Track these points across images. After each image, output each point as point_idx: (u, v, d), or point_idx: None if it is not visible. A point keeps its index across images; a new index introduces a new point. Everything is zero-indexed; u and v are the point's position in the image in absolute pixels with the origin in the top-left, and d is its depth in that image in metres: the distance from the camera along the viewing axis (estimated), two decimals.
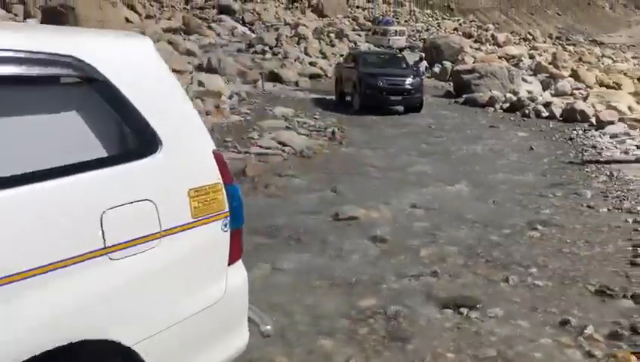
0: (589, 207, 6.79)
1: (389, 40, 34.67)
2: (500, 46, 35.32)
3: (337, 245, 5.40)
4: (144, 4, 36.12)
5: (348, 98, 16.28)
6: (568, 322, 3.90)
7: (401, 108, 15.23)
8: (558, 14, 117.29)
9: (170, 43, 18.63)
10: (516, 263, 5.03)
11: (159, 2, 39.40)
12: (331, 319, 3.94)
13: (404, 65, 17.04)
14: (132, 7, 32.52)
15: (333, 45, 29.90)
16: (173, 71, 11.35)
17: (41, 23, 19.09)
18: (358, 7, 52.61)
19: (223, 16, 38.27)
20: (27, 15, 23.77)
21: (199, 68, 18.84)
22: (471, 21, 57.66)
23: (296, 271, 4.78)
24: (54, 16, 18.25)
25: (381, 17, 42.90)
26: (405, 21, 49.67)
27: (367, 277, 4.66)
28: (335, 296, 4.32)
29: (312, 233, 5.73)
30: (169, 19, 32.67)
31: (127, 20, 24.39)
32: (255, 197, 7.02)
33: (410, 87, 15.30)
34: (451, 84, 20.95)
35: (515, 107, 15.97)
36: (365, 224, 6.03)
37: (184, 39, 24.62)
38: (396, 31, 37.05)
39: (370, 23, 43.36)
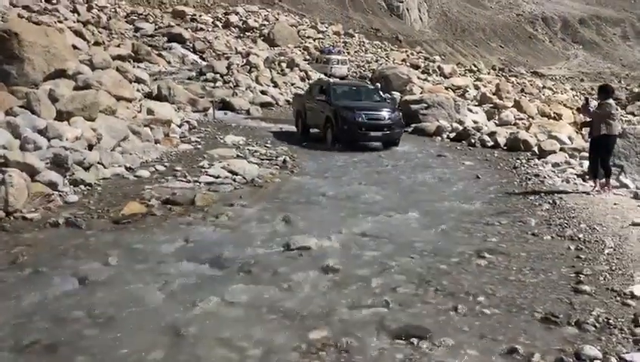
0: (533, 234, 6.98)
1: (331, 68, 35.67)
2: (446, 77, 36.35)
3: (288, 276, 5.36)
4: (92, 31, 35.56)
5: (315, 131, 15.47)
6: (516, 350, 3.97)
7: (379, 144, 14.41)
8: (501, 47, 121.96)
9: (118, 70, 18.33)
10: (465, 292, 5.10)
11: (108, 29, 38.90)
12: (282, 353, 3.89)
13: (379, 98, 15.83)
14: (80, 34, 31.95)
15: (284, 74, 30.10)
16: (122, 98, 11.15)
17: None
18: (308, 37, 53.30)
19: (174, 44, 38.05)
20: None
21: (149, 96, 18.61)
22: (418, 52, 59.21)
23: (247, 304, 4.71)
24: None
25: (326, 47, 43.94)
26: (355, 52, 50.58)
27: (318, 309, 4.64)
28: (286, 329, 4.27)
29: (262, 264, 5.67)
30: (118, 46, 32.20)
31: (75, 47, 23.90)
32: (205, 228, 6.91)
33: (390, 121, 14.19)
34: (400, 113, 21.33)
35: (462, 136, 16.40)
36: (317, 254, 6.02)
37: (133, 67, 24.31)
38: (338, 60, 38.05)
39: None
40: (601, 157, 9.23)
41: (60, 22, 35.09)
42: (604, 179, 9.31)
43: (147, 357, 3.87)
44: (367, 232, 6.88)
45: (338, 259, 5.84)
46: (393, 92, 26.55)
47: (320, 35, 55.38)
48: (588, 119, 9.78)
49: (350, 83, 19.92)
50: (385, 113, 14.29)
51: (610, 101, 9.35)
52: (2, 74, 16.88)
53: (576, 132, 17.22)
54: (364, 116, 13.83)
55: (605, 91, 9.46)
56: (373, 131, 13.97)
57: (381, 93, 16.83)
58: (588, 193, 9.23)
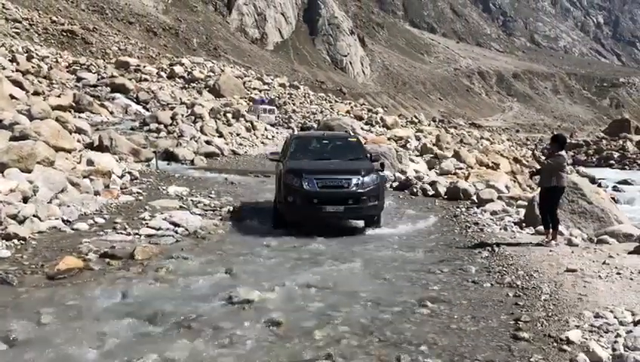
0: (474, 282, 7.12)
1: (258, 116, 36.94)
2: (388, 128, 37.26)
3: (231, 331, 5.25)
4: (32, 81, 34.83)
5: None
6: None
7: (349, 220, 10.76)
8: (440, 99, 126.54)
9: (58, 120, 17.94)
10: (407, 342, 5.12)
11: (48, 79, 38.20)
12: None
13: (358, 155, 11.26)
14: (18, 84, 31.23)
15: (230, 125, 30.15)
16: (61, 149, 10.85)
17: None
18: (254, 88, 53.86)
19: (117, 95, 37.67)
20: None
21: (90, 146, 18.24)
22: (362, 104, 60.69)
23: None
24: None
25: (257, 99, 45.20)
26: (300, 103, 51.34)
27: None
28: None
29: (204, 319, 5.54)
30: (59, 96, 31.59)
31: (12, 97, 23.32)
32: (144, 283, 6.72)
33: (358, 190, 9.94)
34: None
35: (404, 185, 16.73)
36: (260, 307, 5.94)
37: (75, 117, 23.85)
38: (265, 109, 40.00)
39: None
40: (549, 209, 9.26)
41: None
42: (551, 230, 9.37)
43: None
44: (312, 283, 6.84)
45: (282, 312, 5.77)
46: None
47: (265, 87, 56.08)
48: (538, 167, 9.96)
49: (325, 135, 13.55)
50: (354, 178, 9.99)
51: (563, 153, 9.31)
52: None
53: (513, 181, 17.88)
54: (315, 182, 9.77)
55: (558, 142, 9.42)
56: (331, 205, 9.86)
57: (364, 148, 12.24)
58: (540, 244, 9.15)
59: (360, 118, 40.92)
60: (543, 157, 9.93)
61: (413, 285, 7.00)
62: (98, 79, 41.49)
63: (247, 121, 32.02)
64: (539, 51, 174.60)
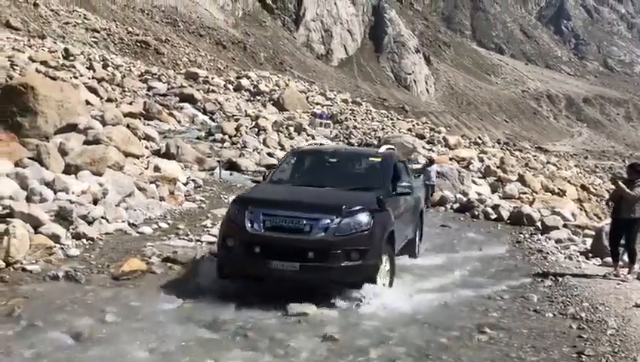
0: (535, 311, 6.89)
1: (314, 128, 38.39)
2: (451, 148, 36.74)
3: (285, 343, 5.27)
4: (106, 88, 36.42)
5: None
6: None
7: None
8: (506, 121, 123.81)
9: (129, 127, 18.67)
10: None
11: (121, 87, 39.84)
12: None
13: (371, 183, 7.72)
14: (94, 90, 32.72)
15: (292, 138, 30.56)
16: (130, 155, 11.31)
17: (1, 101, 18.96)
18: (317, 103, 54.39)
19: (185, 104, 38.82)
20: None
21: (157, 153, 18.86)
22: (424, 123, 60.10)
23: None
24: (14, 95, 18.15)
25: (318, 113, 46.28)
26: (362, 119, 51.38)
27: None
28: None
29: (259, 329, 5.60)
30: (130, 103, 32.89)
31: (88, 103, 24.45)
32: (202, 290, 6.84)
33: (328, 237, 6.45)
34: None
35: (465, 208, 16.44)
36: (315, 321, 5.94)
37: (144, 124, 24.75)
38: (321, 123, 41.52)
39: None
40: (627, 241, 8.74)
41: (76, 77, 36.00)
42: (621, 262, 8.94)
43: None
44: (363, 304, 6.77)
45: (337, 328, 5.76)
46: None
47: (328, 102, 56.54)
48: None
49: (335, 150, 10.17)
50: (324, 219, 6.48)
51: None
52: (15, 125, 17.21)
53: (580, 209, 17.23)
54: (261, 220, 6.52)
55: (637, 171, 8.83)
56: (280, 259, 6.37)
57: (403, 168, 9.14)
58: (608, 276, 8.73)
59: (422, 137, 40.54)
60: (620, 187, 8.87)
61: (471, 310, 6.84)
62: (168, 89, 42.92)
63: (308, 135, 32.36)
64: (612, 76, 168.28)
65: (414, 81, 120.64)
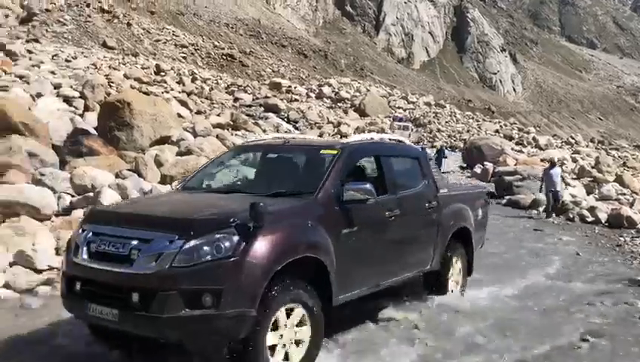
0: None
1: (393, 131, 39.14)
2: (541, 149, 35.38)
3: (377, 348, 5.25)
4: (195, 101, 37.98)
5: None
6: None
7: None
8: (600, 119, 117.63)
9: (218, 138, 19.34)
10: None
11: (209, 99, 41.37)
12: None
13: (308, 180, 5.37)
14: (184, 104, 34.21)
15: None
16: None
17: (99, 116, 20.17)
18: (399, 107, 54.04)
19: (269, 114, 39.79)
20: (86, 109, 25.21)
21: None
22: (512, 123, 58.26)
23: None
24: (112, 110, 19.28)
25: (397, 116, 46.43)
26: (446, 122, 50.58)
27: None
28: None
29: (350, 334, 5.61)
30: (218, 115, 34.12)
31: (179, 116, 25.58)
32: None
33: (159, 270, 3.96)
34: (493, 185, 20.93)
35: (559, 210, 15.74)
36: (405, 326, 5.87)
37: (231, 134, 25.59)
38: (400, 125, 41.73)
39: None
40: None
41: (167, 92, 37.81)
42: None
43: None
44: (459, 308, 6.64)
45: (429, 334, 5.67)
46: (485, 162, 26.00)
47: (410, 106, 56.06)
48: None
49: (284, 142, 6.21)
50: (159, 241, 4.07)
51: None
52: (114, 139, 18.27)
53: None
54: (86, 243, 4.39)
55: None
56: (97, 301, 4.19)
57: (428, 164, 6.80)
58: None
59: (510, 138, 39.34)
60: None
61: (571, 317, 6.53)
62: (253, 99, 44.15)
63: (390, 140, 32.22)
64: None
65: (500, 81, 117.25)
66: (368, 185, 5.02)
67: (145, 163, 11.70)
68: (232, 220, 4.06)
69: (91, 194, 9.44)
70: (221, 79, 53.22)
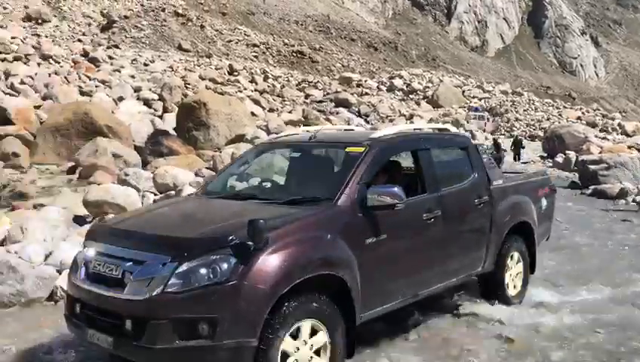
0: None
1: (467, 121, 37.97)
2: (628, 135, 33.53)
3: (460, 343, 5.13)
4: (267, 99, 38.61)
5: None
6: None
7: None
8: None
9: None
10: None
11: (281, 97, 41.93)
12: None
13: (327, 184, 4.72)
14: (257, 102, 34.87)
15: None
16: None
17: (177, 117, 20.87)
18: (474, 97, 52.73)
19: (340, 109, 39.86)
20: (165, 110, 26.18)
21: None
22: (595, 110, 55.55)
23: None
24: (189, 111, 19.92)
25: (473, 106, 45.33)
26: (524, 110, 48.87)
27: None
28: None
29: (431, 329, 5.51)
30: (290, 112, 34.55)
31: (253, 114, 26.09)
32: None
33: (155, 298, 3.56)
34: (576, 174, 20.01)
35: None
36: (488, 320, 5.70)
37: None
38: (475, 115, 41.57)
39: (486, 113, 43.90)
40: None
41: (240, 91, 38.66)
42: None
43: None
44: (545, 302, 6.37)
45: (513, 328, 5.47)
46: (567, 151, 24.94)
47: (486, 95, 54.58)
48: None
49: (310, 137, 5.42)
50: (152, 264, 3.70)
51: None
52: (191, 139, 18.89)
53: None
54: (88, 262, 4.09)
55: None
56: (95, 327, 3.88)
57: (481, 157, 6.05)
58: None
59: (593, 125, 37.58)
60: None
61: None
62: (323, 95, 44.37)
63: (466, 131, 31.46)
64: None
65: (581, 66, 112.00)
66: (396, 189, 4.40)
67: (222, 160, 12.01)
68: (230, 239, 3.62)
69: (173, 192, 9.78)
70: (292, 76, 53.81)
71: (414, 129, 5.98)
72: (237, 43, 74.79)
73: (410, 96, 50.88)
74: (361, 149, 4.79)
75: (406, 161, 5.75)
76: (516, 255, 6.17)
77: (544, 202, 6.77)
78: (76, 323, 4.07)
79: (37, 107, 20.41)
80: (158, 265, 3.61)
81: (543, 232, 6.87)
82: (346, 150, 4.98)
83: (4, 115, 17.70)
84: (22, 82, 24.57)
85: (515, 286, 6.21)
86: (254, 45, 75.41)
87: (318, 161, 5.45)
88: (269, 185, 5.78)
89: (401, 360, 4.72)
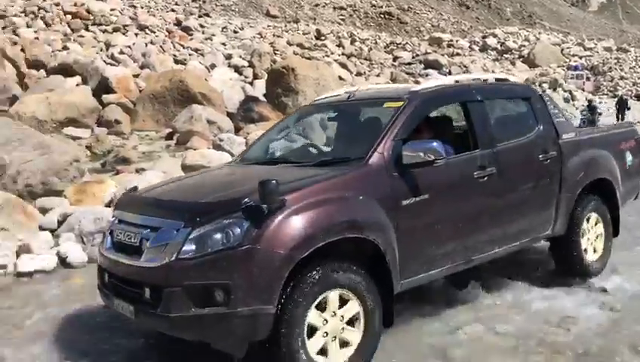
0: None
1: (565, 81, 36.29)
2: None
3: (559, 309, 4.95)
4: (355, 63, 38.27)
5: None
6: None
7: None
8: None
9: None
10: None
11: (369, 60, 41.43)
12: None
13: (361, 142, 4.33)
14: (344, 66, 34.67)
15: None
16: None
17: (267, 83, 21.20)
18: (574, 55, 49.74)
19: (430, 71, 38.89)
20: (255, 77, 26.64)
21: None
22: None
23: (513, 336, 4.46)
24: (278, 77, 20.16)
25: (572, 65, 42.69)
26: (630, 68, 45.51)
27: (596, 348, 4.19)
28: None
29: (526, 295, 5.35)
30: (378, 75, 34.14)
31: (340, 78, 26.02)
32: None
33: (170, 264, 3.47)
34: None
35: None
36: (591, 289, 5.46)
37: None
38: (573, 74, 39.89)
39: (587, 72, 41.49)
40: None
41: (328, 56, 38.54)
42: None
43: None
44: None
45: (618, 297, 5.20)
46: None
47: (587, 53, 51.28)
48: None
49: (349, 96, 5.14)
50: (166, 230, 3.61)
51: None
52: (281, 105, 19.16)
53: None
54: (113, 230, 4.13)
55: None
56: (119, 295, 3.90)
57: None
58: None
59: None
60: None
61: None
62: (412, 57, 43.41)
63: (565, 91, 29.86)
64: None
65: None
66: (435, 144, 4.04)
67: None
68: (243, 202, 3.41)
69: None
70: (379, 38, 52.90)
71: (472, 79, 5.50)
72: (324, 7, 74.36)
73: (505, 55, 48.74)
74: (399, 104, 4.45)
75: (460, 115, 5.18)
76: (594, 216, 5.54)
77: (629, 157, 5.99)
78: (105, 292, 4.08)
79: (135, 76, 21.37)
80: (172, 231, 3.53)
81: (629, 190, 6.11)
82: (384, 106, 4.65)
83: (106, 84, 18.67)
84: (121, 52, 25.74)
85: (595, 251, 5.64)
86: (341, 8, 74.69)
87: (353, 120, 5.11)
88: (303, 148, 5.50)
89: (496, 327, 4.62)
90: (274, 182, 3.39)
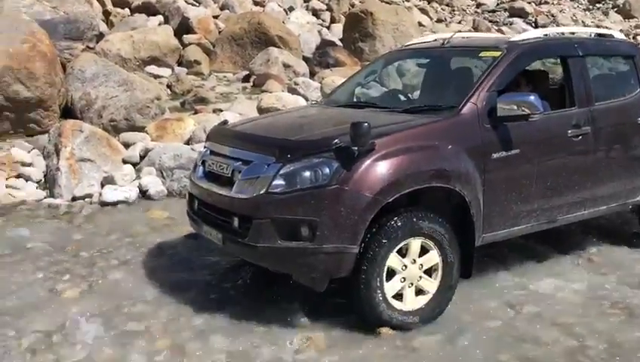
0: None
1: None
2: None
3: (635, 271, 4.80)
4: (436, 9, 36.93)
5: None
6: None
7: None
8: None
9: None
10: None
11: (450, 6, 39.88)
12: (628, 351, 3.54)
13: (455, 91, 4.48)
14: (425, 12, 33.56)
15: None
16: None
17: (344, 28, 20.90)
18: None
19: (515, 19, 36.96)
20: (332, 21, 26.26)
21: None
22: None
23: (587, 295, 4.37)
24: (355, 21, 19.79)
25: None
26: None
27: None
28: (632, 327, 3.87)
29: (606, 256, 5.20)
30: (459, 22, 32.81)
31: (420, 24, 25.24)
32: None
33: (258, 198, 3.62)
34: None
35: None
36: None
37: None
38: None
39: None
40: None
41: (408, 0, 37.34)
42: None
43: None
44: None
45: None
46: None
47: None
48: None
49: (444, 41, 5.02)
50: (258, 163, 3.77)
51: None
52: (357, 50, 18.87)
53: None
54: (204, 161, 4.36)
55: None
56: (208, 222, 4.14)
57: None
58: None
59: None
60: None
61: None
62: (497, 4, 41.32)
63: None
64: None
65: None
66: (532, 98, 3.99)
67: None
68: (334, 142, 3.49)
69: None
70: None
71: (570, 33, 5.27)
72: None
73: (597, 5, 45.49)
74: (497, 54, 4.33)
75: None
76: None
77: None
78: (195, 219, 4.28)
79: (215, 17, 21.50)
80: (263, 166, 3.64)
81: None
82: (480, 55, 4.56)
83: (187, 24, 18.90)
84: None
85: None
86: None
87: (446, 68, 4.99)
88: (392, 93, 5.61)
89: (572, 285, 4.53)
90: (366, 124, 3.41)
